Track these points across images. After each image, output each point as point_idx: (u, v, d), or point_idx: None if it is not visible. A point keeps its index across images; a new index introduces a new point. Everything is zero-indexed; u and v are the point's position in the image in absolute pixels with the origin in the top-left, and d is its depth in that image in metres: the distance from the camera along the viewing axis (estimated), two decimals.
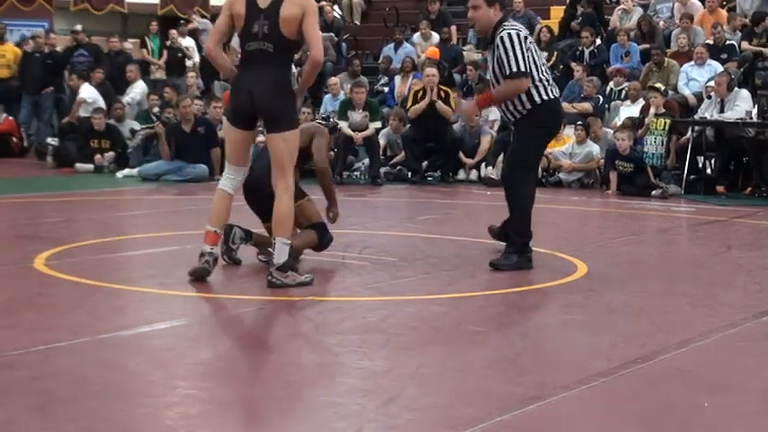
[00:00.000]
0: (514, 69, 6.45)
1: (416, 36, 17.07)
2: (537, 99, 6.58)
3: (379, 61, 16.91)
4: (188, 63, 17.17)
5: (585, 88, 13.74)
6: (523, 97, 6.57)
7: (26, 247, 7.04)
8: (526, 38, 6.58)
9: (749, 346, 4.80)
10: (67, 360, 4.19)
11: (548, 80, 6.68)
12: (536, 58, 6.63)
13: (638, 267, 7.02)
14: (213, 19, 18.78)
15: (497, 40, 6.52)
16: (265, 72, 5.80)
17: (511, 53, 6.46)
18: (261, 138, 13.19)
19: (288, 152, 5.83)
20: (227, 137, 6.11)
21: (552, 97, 6.71)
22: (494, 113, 13.92)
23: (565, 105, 13.48)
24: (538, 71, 6.60)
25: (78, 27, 16.81)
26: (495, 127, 13.68)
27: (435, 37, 16.76)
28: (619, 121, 12.86)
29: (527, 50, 6.52)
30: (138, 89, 15.37)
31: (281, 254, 5.78)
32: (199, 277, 5.86)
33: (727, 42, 14.24)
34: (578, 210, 10.56)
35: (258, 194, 6.29)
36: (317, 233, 6.58)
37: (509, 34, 6.48)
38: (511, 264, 6.53)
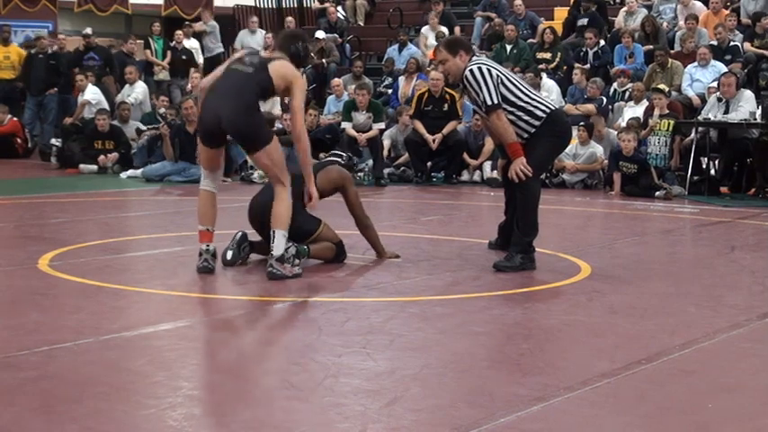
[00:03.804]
0: (489, 103, 6.50)
1: (425, 29, 17.06)
2: (539, 113, 6.61)
3: (383, 62, 16.92)
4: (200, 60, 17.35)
5: (589, 89, 13.74)
6: (530, 120, 6.60)
7: (30, 248, 7.05)
8: (490, 70, 6.56)
9: (753, 346, 4.80)
10: (71, 361, 4.19)
11: (540, 97, 6.76)
12: (512, 82, 6.65)
13: (642, 268, 7.02)
14: (216, 19, 18.85)
15: (464, 81, 6.62)
16: (233, 98, 6.01)
17: (477, 88, 6.52)
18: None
19: (274, 164, 6.09)
20: (200, 148, 6.40)
21: (556, 107, 6.82)
22: None
23: (568, 107, 13.54)
24: (523, 93, 6.64)
25: (89, 30, 16.83)
26: None
27: (441, 29, 16.76)
28: (623, 123, 12.86)
29: (494, 82, 6.53)
30: (139, 89, 15.39)
31: (279, 245, 5.97)
32: (205, 273, 6.11)
33: (731, 44, 14.24)
34: (582, 211, 10.56)
35: (263, 221, 6.36)
36: (336, 249, 6.64)
37: (471, 71, 6.55)
38: (514, 265, 6.52)
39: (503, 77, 6.61)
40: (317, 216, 6.59)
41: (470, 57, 6.72)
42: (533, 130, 6.62)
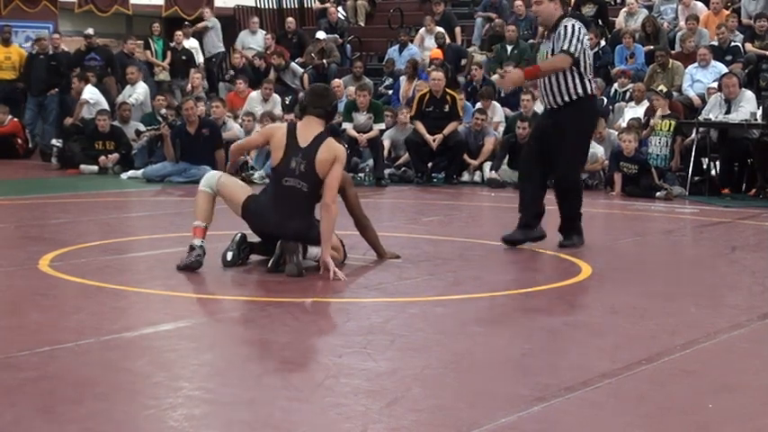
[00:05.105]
0: (565, 47, 7.23)
1: (422, 31, 17.07)
2: (588, 89, 7.35)
3: (383, 63, 16.92)
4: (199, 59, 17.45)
5: None
6: (578, 85, 7.30)
7: (31, 248, 7.05)
8: (585, 35, 7.41)
9: (754, 347, 4.80)
10: (72, 361, 4.19)
11: (592, 80, 7.49)
12: (588, 55, 7.41)
13: (643, 268, 7.02)
14: (217, 20, 18.89)
15: (561, 28, 7.28)
16: (296, 217, 6.20)
17: (569, 37, 7.23)
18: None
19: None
20: (232, 193, 6.41)
21: (595, 93, 7.62)
22: (498, 116, 13.95)
23: None
24: (588, 67, 7.36)
25: (90, 31, 16.83)
26: (501, 129, 13.69)
27: (435, 29, 16.76)
28: (623, 123, 12.86)
29: (582, 44, 7.31)
30: (140, 90, 15.38)
31: (315, 253, 6.27)
32: (191, 270, 6.17)
33: (732, 44, 14.23)
34: (582, 211, 10.53)
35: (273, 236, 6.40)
36: (340, 256, 6.65)
37: (573, 24, 7.30)
38: (574, 243, 7.47)
39: (586, 45, 7.40)
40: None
41: (564, 9, 7.50)
42: (575, 98, 7.30)
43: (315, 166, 6.21)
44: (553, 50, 7.33)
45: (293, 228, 6.18)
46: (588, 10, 16.22)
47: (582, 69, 7.29)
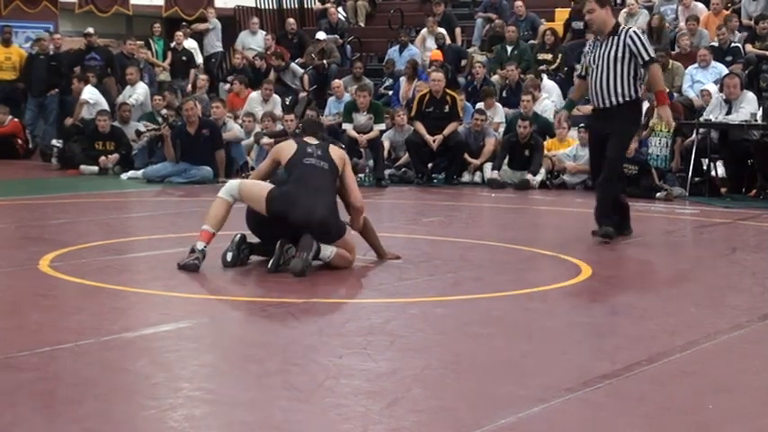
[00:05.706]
0: (652, 55, 7.82)
1: (424, 31, 17.06)
2: (639, 92, 7.80)
3: (383, 63, 16.91)
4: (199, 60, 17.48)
5: None
6: (632, 88, 7.72)
7: (31, 249, 7.05)
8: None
9: (754, 347, 4.80)
10: (72, 361, 4.19)
11: (641, 84, 7.93)
12: None
13: (643, 269, 7.02)
14: (217, 18, 18.93)
15: (630, 34, 7.72)
16: (322, 195, 6.34)
17: (644, 44, 7.75)
18: (266, 140, 13.27)
19: (349, 249, 6.46)
20: (255, 193, 6.42)
21: (641, 96, 8.04)
22: (499, 116, 13.94)
23: None
24: (642, 70, 7.80)
25: (90, 30, 16.82)
26: (501, 129, 13.68)
27: (437, 30, 16.76)
28: None
29: None
30: (140, 90, 15.37)
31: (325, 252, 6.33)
32: (188, 271, 6.19)
33: (732, 45, 14.22)
34: (582, 212, 10.53)
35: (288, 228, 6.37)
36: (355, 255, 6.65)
37: (635, 32, 7.82)
38: (609, 233, 7.70)
39: None
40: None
41: (611, 13, 7.96)
42: (626, 100, 7.69)
43: (330, 155, 6.53)
44: (616, 55, 7.69)
45: (320, 209, 6.25)
46: None
47: (639, 72, 7.73)
